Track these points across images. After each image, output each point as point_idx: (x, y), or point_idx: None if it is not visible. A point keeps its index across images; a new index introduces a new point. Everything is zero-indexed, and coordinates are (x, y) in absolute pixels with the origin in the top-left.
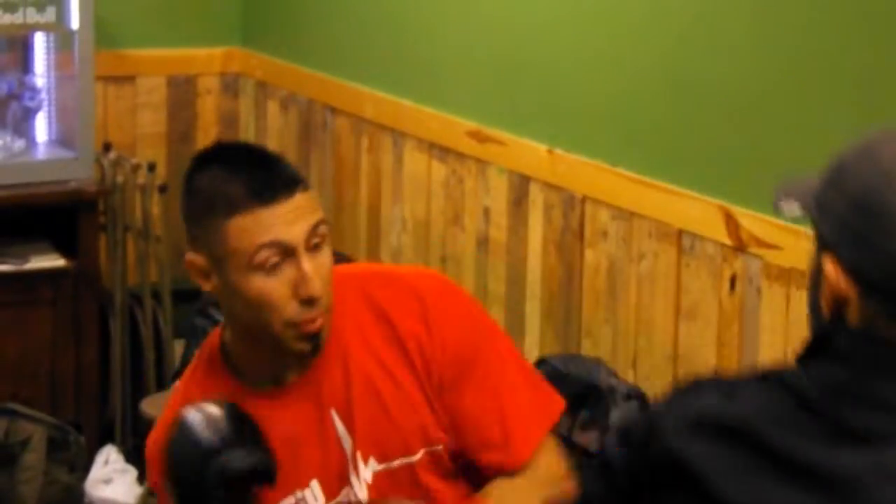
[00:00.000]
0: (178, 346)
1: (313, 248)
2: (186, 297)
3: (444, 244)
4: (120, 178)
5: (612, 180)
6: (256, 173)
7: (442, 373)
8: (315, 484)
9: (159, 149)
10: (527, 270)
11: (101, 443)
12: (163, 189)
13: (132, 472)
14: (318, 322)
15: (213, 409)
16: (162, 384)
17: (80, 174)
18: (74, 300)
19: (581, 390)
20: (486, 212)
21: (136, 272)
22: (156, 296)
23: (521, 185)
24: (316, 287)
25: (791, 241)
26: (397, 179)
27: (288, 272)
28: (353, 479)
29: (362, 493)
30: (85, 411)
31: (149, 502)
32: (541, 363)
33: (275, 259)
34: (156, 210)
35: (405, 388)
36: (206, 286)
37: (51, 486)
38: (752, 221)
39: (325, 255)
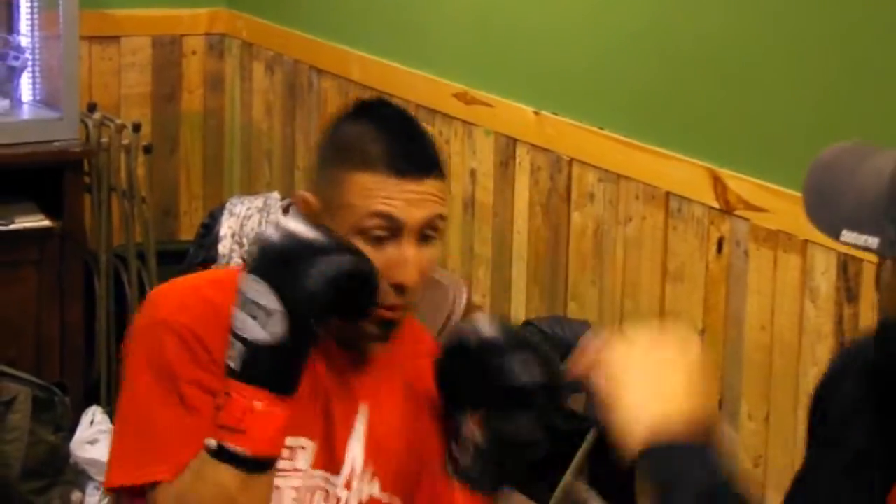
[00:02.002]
0: None
1: (422, 239)
2: (171, 257)
3: None
4: (105, 139)
5: (599, 142)
6: (400, 142)
7: None
8: (311, 445)
9: (144, 109)
10: (513, 232)
11: (86, 403)
12: (148, 149)
13: None
14: (398, 314)
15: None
16: None
17: (65, 134)
18: (60, 261)
19: (567, 353)
20: (473, 173)
21: (120, 233)
22: (141, 256)
23: (507, 147)
24: (411, 276)
25: (779, 203)
26: None
27: (389, 251)
28: (345, 481)
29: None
30: (70, 372)
31: None
32: (527, 325)
33: (381, 233)
34: (141, 170)
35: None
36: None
37: (36, 446)
38: (740, 184)
39: (432, 252)
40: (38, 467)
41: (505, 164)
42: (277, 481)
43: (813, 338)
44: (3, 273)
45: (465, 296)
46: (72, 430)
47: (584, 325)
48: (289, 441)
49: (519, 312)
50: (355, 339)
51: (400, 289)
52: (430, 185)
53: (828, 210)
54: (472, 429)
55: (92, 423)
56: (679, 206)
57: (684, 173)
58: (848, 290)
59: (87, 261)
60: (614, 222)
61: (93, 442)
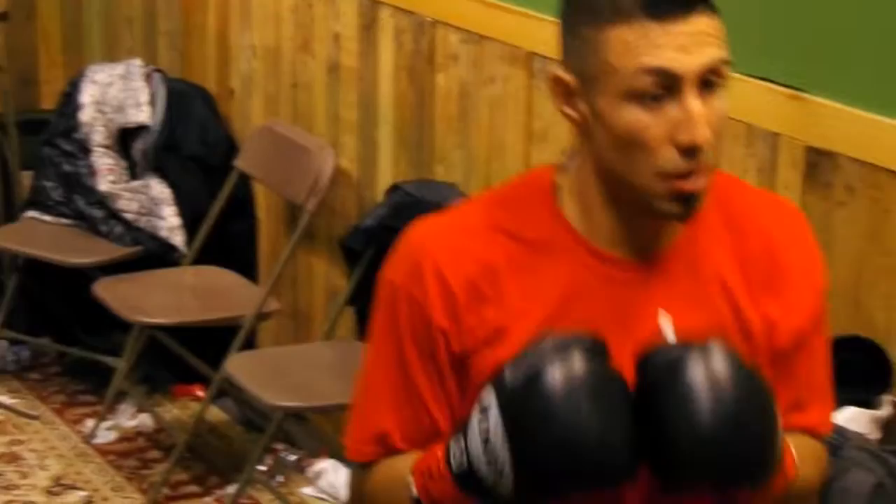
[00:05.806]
0: (27, 178)
1: (706, 88)
2: (33, 127)
3: (295, 71)
4: None
5: (462, 3)
6: None
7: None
8: None
9: None
10: (378, 96)
11: None
12: (3, 17)
13: None
14: (698, 182)
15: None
16: (11, 215)
17: None
18: None
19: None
20: (337, 37)
21: None
22: (1, 127)
23: (371, 10)
24: (702, 133)
25: None
26: (245, 5)
27: (670, 111)
28: None
29: None
30: None
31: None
32: (394, 189)
33: (656, 90)
34: None
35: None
36: (570, 113)
37: None
38: None
39: (719, 103)
40: None
41: (368, 27)
42: None
43: None
44: None
45: (331, 161)
46: None
47: (451, 188)
48: None
49: (386, 177)
50: (648, 233)
51: (690, 151)
52: (699, 23)
53: None
54: None
55: None
56: (542, 67)
57: (547, 34)
58: None
59: None
60: (478, 84)
61: None
